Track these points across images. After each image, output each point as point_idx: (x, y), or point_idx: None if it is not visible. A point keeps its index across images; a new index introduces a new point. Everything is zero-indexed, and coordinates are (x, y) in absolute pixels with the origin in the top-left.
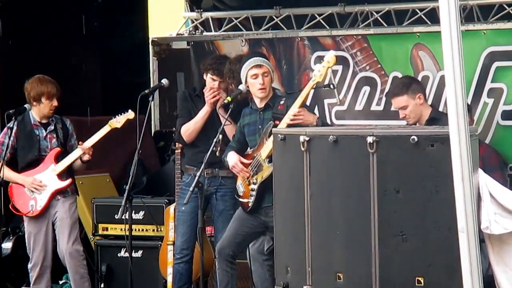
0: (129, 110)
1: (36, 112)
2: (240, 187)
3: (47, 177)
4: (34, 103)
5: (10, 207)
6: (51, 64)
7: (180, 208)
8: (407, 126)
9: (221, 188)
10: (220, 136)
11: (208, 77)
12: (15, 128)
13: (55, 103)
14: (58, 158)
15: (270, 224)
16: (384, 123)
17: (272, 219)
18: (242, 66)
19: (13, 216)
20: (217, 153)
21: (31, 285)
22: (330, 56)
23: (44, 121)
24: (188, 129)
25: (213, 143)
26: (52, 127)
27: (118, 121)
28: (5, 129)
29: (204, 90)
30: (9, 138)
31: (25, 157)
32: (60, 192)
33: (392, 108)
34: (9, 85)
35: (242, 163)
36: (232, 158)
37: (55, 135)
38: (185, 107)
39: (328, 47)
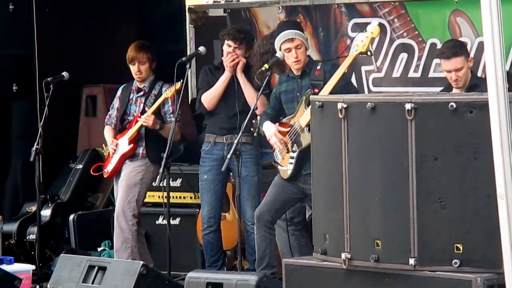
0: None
1: None
2: (278, 154)
3: (122, 142)
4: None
5: (92, 168)
6: (88, 33)
7: (202, 177)
8: (446, 93)
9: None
10: (257, 123)
11: (224, 45)
12: (119, 92)
13: (136, 68)
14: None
15: (309, 192)
16: (422, 90)
17: (311, 186)
18: (275, 39)
19: (51, 183)
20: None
21: None
22: (373, 26)
23: (141, 85)
24: (208, 96)
25: (250, 112)
26: (142, 93)
27: (170, 91)
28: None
29: (222, 58)
30: (117, 100)
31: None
32: (130, 156)
33: (440, 72)
34: (46, 54)
35: (280, 132)
36: (269, 129)
37: (143, 100)
38: (205, 79)
39: (365, 14)
